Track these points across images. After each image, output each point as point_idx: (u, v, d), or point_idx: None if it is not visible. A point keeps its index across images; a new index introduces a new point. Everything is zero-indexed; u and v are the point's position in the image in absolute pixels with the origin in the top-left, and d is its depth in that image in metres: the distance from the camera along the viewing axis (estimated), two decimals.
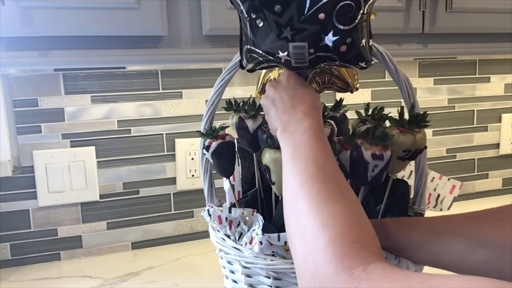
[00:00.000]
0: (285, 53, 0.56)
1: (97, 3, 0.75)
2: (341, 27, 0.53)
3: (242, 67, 0.64)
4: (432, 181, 0.71)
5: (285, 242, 0.58)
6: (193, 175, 1.19)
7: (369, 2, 0.54)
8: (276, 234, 0.58)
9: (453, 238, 0.55)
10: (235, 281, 0.66)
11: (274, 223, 0.64)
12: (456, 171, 1.47)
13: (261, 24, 0.56)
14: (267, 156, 0.62)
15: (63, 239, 1.11)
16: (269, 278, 0.61)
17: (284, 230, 0.60)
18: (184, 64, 1.09)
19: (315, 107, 0.57)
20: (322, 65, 0.59)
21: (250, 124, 0.71)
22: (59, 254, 1.12)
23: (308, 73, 0.63)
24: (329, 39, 0.54)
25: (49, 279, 1.03)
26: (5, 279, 1.02)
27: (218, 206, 0.72)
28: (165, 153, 1.17)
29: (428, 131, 1.42)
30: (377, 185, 0.61)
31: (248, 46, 0.60)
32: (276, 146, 0.62)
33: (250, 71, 0.63)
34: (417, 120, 0.60)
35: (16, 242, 1.08)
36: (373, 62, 0.58)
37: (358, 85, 0.74)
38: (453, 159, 1.47)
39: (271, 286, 0.61)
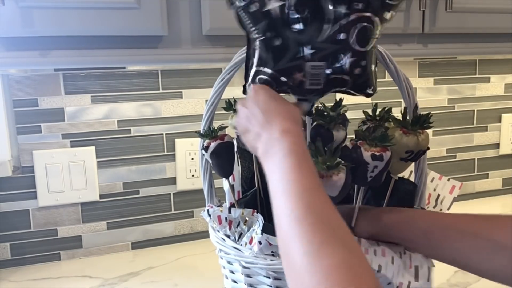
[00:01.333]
0: (301, 73, 0.55)
1: (97, 3, 0.75)
2: (359, 48, 0.53)
3: (245, 92, 0.62)
4: (432, 181, 0.71)
5: None
6: (193, 175, 1.19)
7: (382, 25, 0.54)
8: (274, 236, 0.58)
9: (476, 239, 0.53)
10: (235, 281, 0.66)
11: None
12: (456, 171, 1.47)
13: (278, 43, 0.55)
14: None
15: (63, 239, 1.11)
16: (269, 278, 0.61)
17: None
18: (184, 64, 1.09)
19: (293, 119, 0.53)
20: (330, 92, 0.58)
21: None
22: (59, 254, 1.12)
23: (311, 105, 0.61)
24: (346, 60, 0.54)
25: (49, 279, 1.03)
26: (5, 279, 1.02)
27: (218, 206, 0.72)
28: (165, 153, 1.17)
29: (428, 131, 1.41)
30: (377, 186, 0.60)
31: (258, 68, 0.58)
32: None
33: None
34: (421, 121, 0.60)
35: (16, 242, 1.08)
36: (376, 91, 0.59)
37: None
38: (453, 159, 1.47)
39: (271, 286, 0.61)
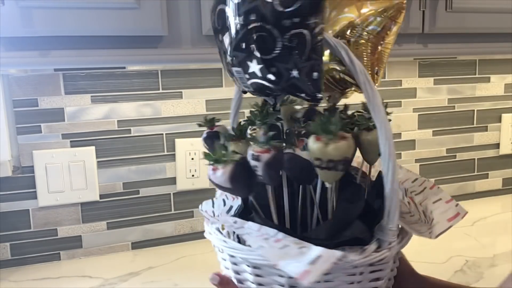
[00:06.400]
0: (234, 77, 0.60)
1: (97, 3, 0.75)
2: (260, 56, 0.55)
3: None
4: (435, 202, 0.63)
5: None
6: (193, 175, 1.19)
7: (289, 34, 0.54)
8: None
9: None
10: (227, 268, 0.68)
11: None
12: (456, 171, 1.47)
13: (217, 49, 0.61)
14: None
15: (63, 239, 1.11)
16: (249, 266, 0.62)
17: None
18: (184, 64, 1.09)
19: None
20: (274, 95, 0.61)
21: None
22: (59, 254, 1.12)
23: (277, 101, 0.64)
24: (254, 66, 0.56)
25: (49, 279, 1.03)
26: (5, 279, 1.03)
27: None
28: (165, 153, 1.17)
29: (428, 131, 1.42)
30: (273, 185, 0.61)
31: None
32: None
33: (243, 92, 0.66)
34: (325, 127, 0.56)
35: (16, 242, 1.08)
36: (320, 96, 0.57)
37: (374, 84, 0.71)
38: (453, 159, 1.47)
39: (251, 274, 0.61)
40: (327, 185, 0.60)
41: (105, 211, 1.14)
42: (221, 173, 0.57)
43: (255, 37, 0.55)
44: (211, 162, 0.58)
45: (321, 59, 0.56)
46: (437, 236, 0.57)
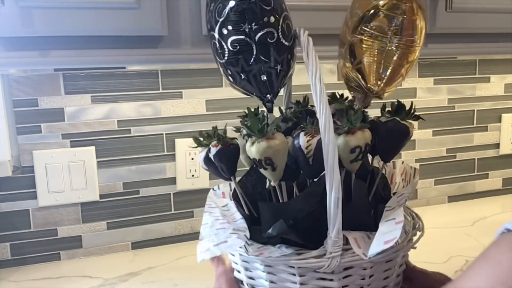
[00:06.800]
0: None
1: (97, 3, 0.75)
2: (218, 60, 0.63)
3: None
4: (387, 220, 0.61)
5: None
6: (193, 175, 1.19)
7: (230, 40, 0.60)
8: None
9: None
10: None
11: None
12: (456, 171, 1.47)
13: None
14: None
15: (63, 239, 1.11)
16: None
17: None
18: (184, 64, 1.09)
19: None
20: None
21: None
22: (59, 254, 1.12)
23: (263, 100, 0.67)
24: (220, 68, 0.64)
25: (49, 279, 1.03)
26: (5, 279, 1.02)
27: None
28: (165, 153, 1.17)
29: (428, 131, 1.42)
30: (229, 175, 0.67)
31: None
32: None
33: None
34: (250, 127, 0.59)
35: (16, 242, 1.08)
36: (269, 97, 0.62)
37: (378, 87, 0.69)
38: (453, 159, 1.47)
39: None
40: (272, 183, 0.63)
41: (105, 211, 1.14)
42: (200, 155, 0.67)
43: (212, 44, 0.62)
44: (195, 145, 0.68)
45: (273, 62, 0.61)
46: (370, 257, 0.56)
